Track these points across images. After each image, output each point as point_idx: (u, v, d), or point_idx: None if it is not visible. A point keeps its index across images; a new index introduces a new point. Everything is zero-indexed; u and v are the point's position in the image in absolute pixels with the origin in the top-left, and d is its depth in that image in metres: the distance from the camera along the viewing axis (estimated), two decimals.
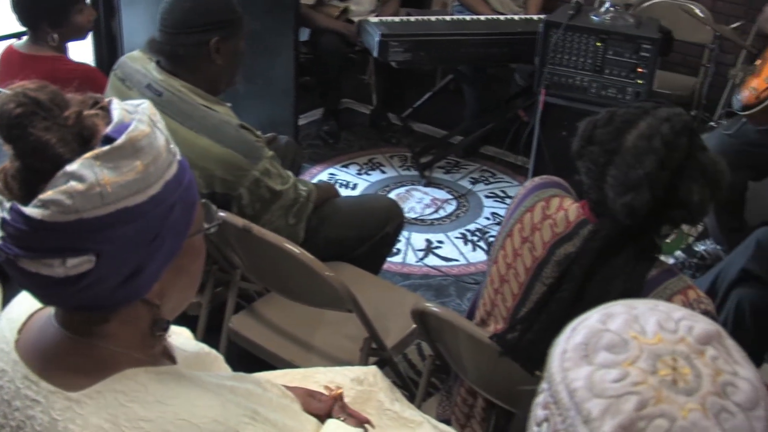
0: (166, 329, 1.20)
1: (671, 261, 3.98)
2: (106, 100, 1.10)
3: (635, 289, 1.68)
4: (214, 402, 1.14)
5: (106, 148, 1.01)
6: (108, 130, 1.04)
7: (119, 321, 1.13)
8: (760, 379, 0.89)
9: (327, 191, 2.90)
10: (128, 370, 1.11)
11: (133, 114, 1.08)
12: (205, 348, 1.46)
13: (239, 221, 2.31)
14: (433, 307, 2.00)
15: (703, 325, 0.91)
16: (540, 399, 0.94)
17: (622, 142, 1.68)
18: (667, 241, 1.82)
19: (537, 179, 1.99)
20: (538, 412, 0.94)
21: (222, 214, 2.34)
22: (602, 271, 1.70)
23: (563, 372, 0.90)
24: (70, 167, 0.99)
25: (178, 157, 1.13)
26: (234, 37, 2.56)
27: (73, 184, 0.98)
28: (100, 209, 1.00)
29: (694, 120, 4.80)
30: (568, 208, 1.84)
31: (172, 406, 1.09)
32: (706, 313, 1.67)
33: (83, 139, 1.03)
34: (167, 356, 1.28)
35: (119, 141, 1.02)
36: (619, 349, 0.88)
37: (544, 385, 0.94)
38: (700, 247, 4.06)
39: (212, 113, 2.49)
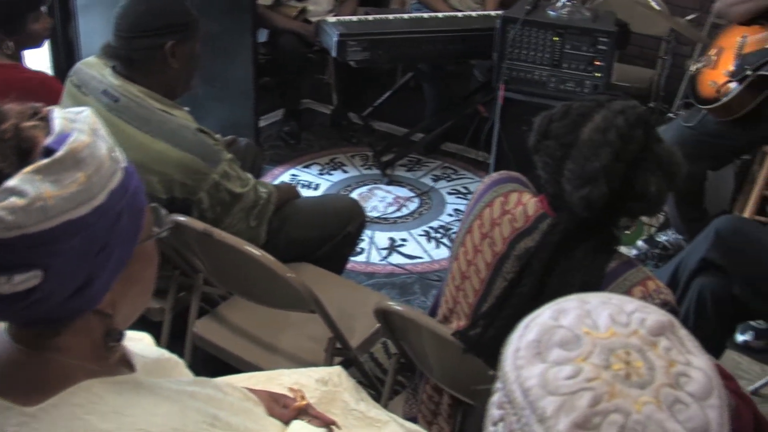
0: (120, 339, 1.18)
1: (634, 252, 4.01)
2: (46, 109, 1.08)
3: (595, 281, 1.68)
4: (173, 409, 1.12)
5: (46, 161, 0.99)
6: (48, 141, 1.02)
7: (72, 333, 1.10)
8: (713, 367, 0.89)
9: (288, 192, 2.89)
10: (84, 382, 1.09)
11: (74, 123, 1.06)
12: (165, 354, 1.45)
13: (199, 225, 2.30)
14: (395, 305, 2.00)
15: (655, 316, 0.91)
16: (495, 398, 0.94)
17: (577, 135, 1.68)
18: (627, 232, 1.82)
19: (495, 175, 1.99)
20: (493, 411, 0.93)
21: (182, 218, 2.33)
22: (562, 264, 1.71)
23: (517, 371, 0.89)
24: (10, 182, 0.97)
25: (123, 164, 1.11)
26: (190, 40, 2.54)
27: (14, 200, 0.96)
28: (44, 223, 0.98)
29: (651, 112, 4.84)
30: (527, 203, 1.85)
31: (131, 416, 1.08)
32: (665, 303, 1.69)
33: (22, 151, 1.01)
34: (126, 364, 1.26)
35: (59, 153, 1.00)
36: (571, 345, 0.88)
37: (498, 385, 0.93)
38: (662, 238, 4.10)
39: (170, 117, 2.47)
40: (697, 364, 0.88)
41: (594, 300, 0.94)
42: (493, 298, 1.82)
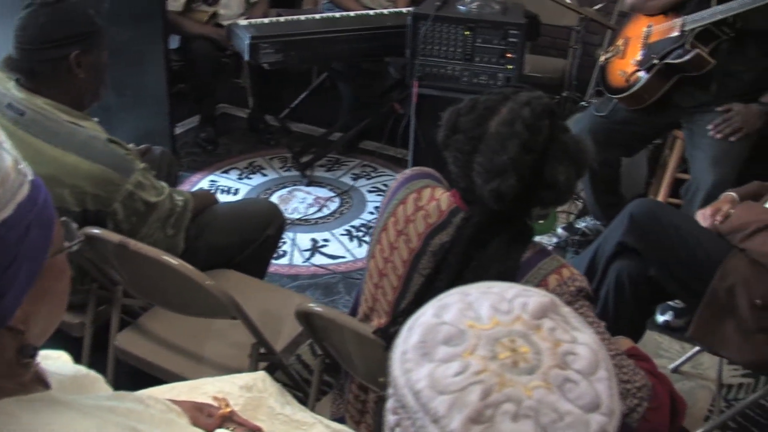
0: (33, 355, 1.15)
1: (554, 240, 4.08)
2: None
3: (510, 272, 1.70)
4: (90, 425, 1.11)
5: None
6: None
7: None
8: (598, 341, 0.91)
9: (205, 199, 2.87)
10: None
11: None
12: (82, 370, 1.42)
13: (115, 237, 2.26)
14: (315, 306, 2.00)
15: (536, 298, 0.92)
16: (388, 404, 0.94)
17: (485, 129, 1.70)
18: (540, 222, 1.84)
19: (408, 171, 2.00)
20: (389, 417, 0.93)
21: (96, 231, 2.29)
22: (477, 257, 1.72)
23: (405, 374, 0.89)
24: None
25: (30, 176, 1.09)
26: (95, 49, 2.49)
27: None
28: None
29: (565, 101, 4.93)
30: (440, 198, 1.86)
31: None
32: (580, 290, 1.72)
33: None
34: (40, 382, 1.24)
35: None
36: (456, 340, 0.88)
37: (390, 390, 0.93)
38: (581, 224, 4.17)
39: (79, 129, 2.43)
40: (582, 339, 0.89)
41: (475, 291, 0.94)
42: (412, 294, 1.83)
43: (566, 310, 0.93)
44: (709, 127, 3.43)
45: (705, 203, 3.17)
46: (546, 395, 0.84)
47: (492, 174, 1.65)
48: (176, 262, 2.16)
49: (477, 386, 0.84)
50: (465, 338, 0.88)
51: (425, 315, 0.93)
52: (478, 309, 0.91)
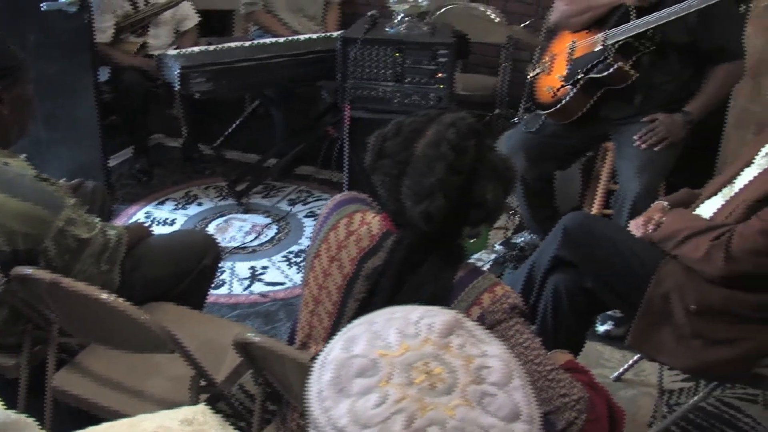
0: None
1: (492, 256, 4.11)
2: None
3: (444, 293, 1.71)
4: None
5: None
6: None
7: None
8: (507, 350, 0.92)
9: (138, 232, 2.84)
10: None
11: None
12: (12, 415, 1.40)
13: (47, 276, 2.23)
14: (252, 336, 1.99)
15: (441, 317, 0.93)
16: None
17: (411, 152, 1.71)
18: (472, 241, 1.86)
19: (338, 197, 2.01)
20: None
21: (27, 270, 2.25)
22: (410, 280, 1.73)
23: (326, 413, 0.88)
24: None
25: None
26: (18, 84, 2.45)
27: None
28: None
29: (490, 120, 5.00)
30: (371, 222, 1.87)
31: None
32: (514, 307, 1.73)
33: None
34: None
35: None
36: (370, 371, 0.88)
37: (310, 431, 0.92)
38: (518, 240, 4.21)
39: (5, 168, 2.39)
40: (492, 351, 0.90)
41: (380, 320, 0.94)
42: (347, 320, 1.82)
43: (470, 324, 0.94)
44: (635, 137, 3.49)
45: (632, 212, 3.24)
46: (468, 412, 0.84)
47: (420, 196, 1.67)
48: (110, 298, 2.14)
49: (399, 415, 0.84)
50: (378, 368, 0.88)
51: (334, 350, 0.93)
52: (385, 337, 0.91)
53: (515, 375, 0.89)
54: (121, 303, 2.13)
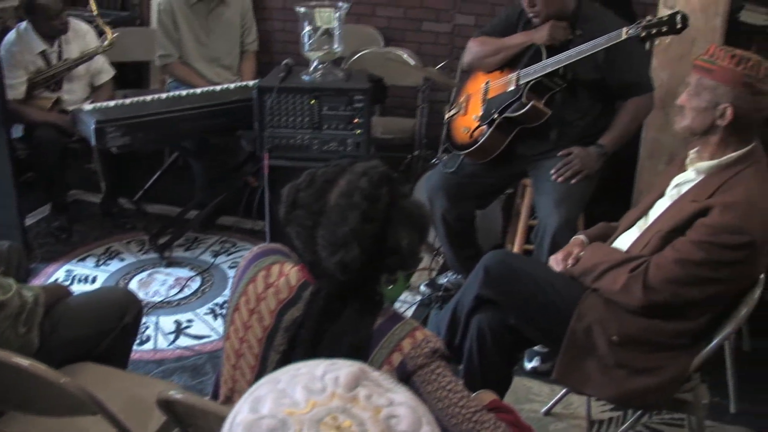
0: None
1: (418, 297, 4.12)
2: None
3: (364, 341, 1.71)
4: None
5: None
6: None
7: None
8: (413, 397, 0.92)
9: (56, 292, 2.78)
10: None
11: None
12: None
13: None
14: (175, 393, 1.96)
15: (346, 370, 0.93)
16: None
17: (325, 202, 1.72)
18: (390, 288, 1.86)
19: (255, 249, 2.00)
20: None
21: None
22: (330, 330, 1.73)
23: None
24: None
25: None
26: None
27: None
28: None
29: (410, 162, 5.04)
30: (289, 273, 1.86)
31: None
32: (435, 351, 1.73)
33: None
34: None
35: None
36: (280, 431, 0.87)
37: None
38: (442, 280, 4.24)
39: None
40: (399, 399, 0.90)
41: (284, 377, 0.94)
42: (269, 373, 1.81)
43: (376, 374, 0.94)
44: (552, 171, 3.56)
45: (553, 244, 3.29)
46: None
47: (336, 246, 1.67)
48: (27, 363, 2.08)
49: None
50: (287, 427, 0.87)
51: (242, 412, 0.92)
52: (292, 394, 0.90)
53: (424, 421, 0.89)
54: (39, 367, 2.08)
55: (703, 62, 2.54)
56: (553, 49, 3.48)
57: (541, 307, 2.75)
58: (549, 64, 3.44)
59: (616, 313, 2.62)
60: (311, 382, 0.91)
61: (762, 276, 2.56)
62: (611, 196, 4.06)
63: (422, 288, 4.23)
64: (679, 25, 3.01)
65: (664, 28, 3.06)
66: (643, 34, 3.11)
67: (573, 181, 3.52)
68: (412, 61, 5.38)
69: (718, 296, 2.54)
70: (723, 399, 3.37)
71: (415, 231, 1.75)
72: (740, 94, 2.46)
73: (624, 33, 3.17)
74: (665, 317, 2.57)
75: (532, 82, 3.51)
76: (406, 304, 4.10)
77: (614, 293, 2.61)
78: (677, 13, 3.02)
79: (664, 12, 3.86)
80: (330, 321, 1.73)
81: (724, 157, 2.56)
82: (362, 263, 1.67)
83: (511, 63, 3.69)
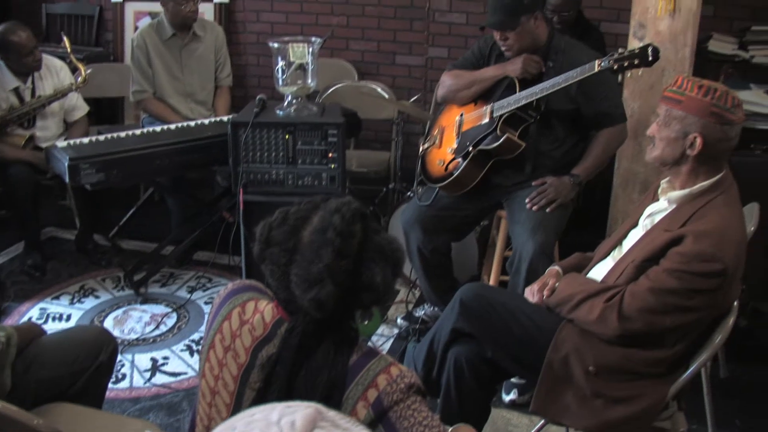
0: None
1: (395, 330, 4.12)
2: None
3: (340, 378, 1.70)
4: None
5: None
6: None
7: None
8: None
9: (29, 331, 2.75)
10: None
11: None
12: None
13: None
14: None
15: (301, 412, 0.91)
16: None
17: (299, 239, 1.72)
18: (365, 323, 1.86)
19: (230, 285, 1.99)
20: None
21: None
22: (306, 366, 1.72)
23: None
24: None
25: None
26: None
27: None
28: None
29: (385, 195, 5.04)
30: (264, 310, 1.86)
31: None
32: (410, 386, 1.73)
33: None
34: None
35: None
36: None
37: None
38: (419, 312, 4.24)
39: None
40: None
41: (239, 424, 0.93)
42: (245, 410, 1.80)
43: (332, 414, 0.93)
44: (527, 200, 3.57)
45: (529, 273, 3.31)
46: None
47: (309, 283, 1.67)
48: None
49: None
50: None
51: None
52: None
53: None
54: (11, 409, 2.05)
55: (672, 93, 2.57)
56: (525, 82, 3.51)
57: (518, 339, 2.75)
58: (523, 97, 3.47)
59: (593, 343, 2.63)
60: (267, 428, 0.89)
61: (735, 303, 2.58)
62: (588, 225, 4.08)
63: (399, 321, 4.23)
64: (650, 58, 3.05)
65: (636, 61, 3.10)
66: (615, 66, 3.15)
67: (548, 210, 3.54)
68: (385, 95, 5.41)
69: (693, 324, 2.55)
70: (701, 426, 3.37)
71: (388, 266, 1.75)
72: (709, 123, 2.49)
73: (597, 66, 3.21)
74: (641, 346, 2.57)
75: (506, 115, 3.53)
76: (383, 337, 4.09)
77: (590, 323, 2.62)
78: (648, 45, 3.06)
79: (634, 43, 3.92)
80: (305, 358, 1.73)
81: (695, 186, 2.59)
82: (336, 300, 1.67)
83: (484, 96, 3.72)
